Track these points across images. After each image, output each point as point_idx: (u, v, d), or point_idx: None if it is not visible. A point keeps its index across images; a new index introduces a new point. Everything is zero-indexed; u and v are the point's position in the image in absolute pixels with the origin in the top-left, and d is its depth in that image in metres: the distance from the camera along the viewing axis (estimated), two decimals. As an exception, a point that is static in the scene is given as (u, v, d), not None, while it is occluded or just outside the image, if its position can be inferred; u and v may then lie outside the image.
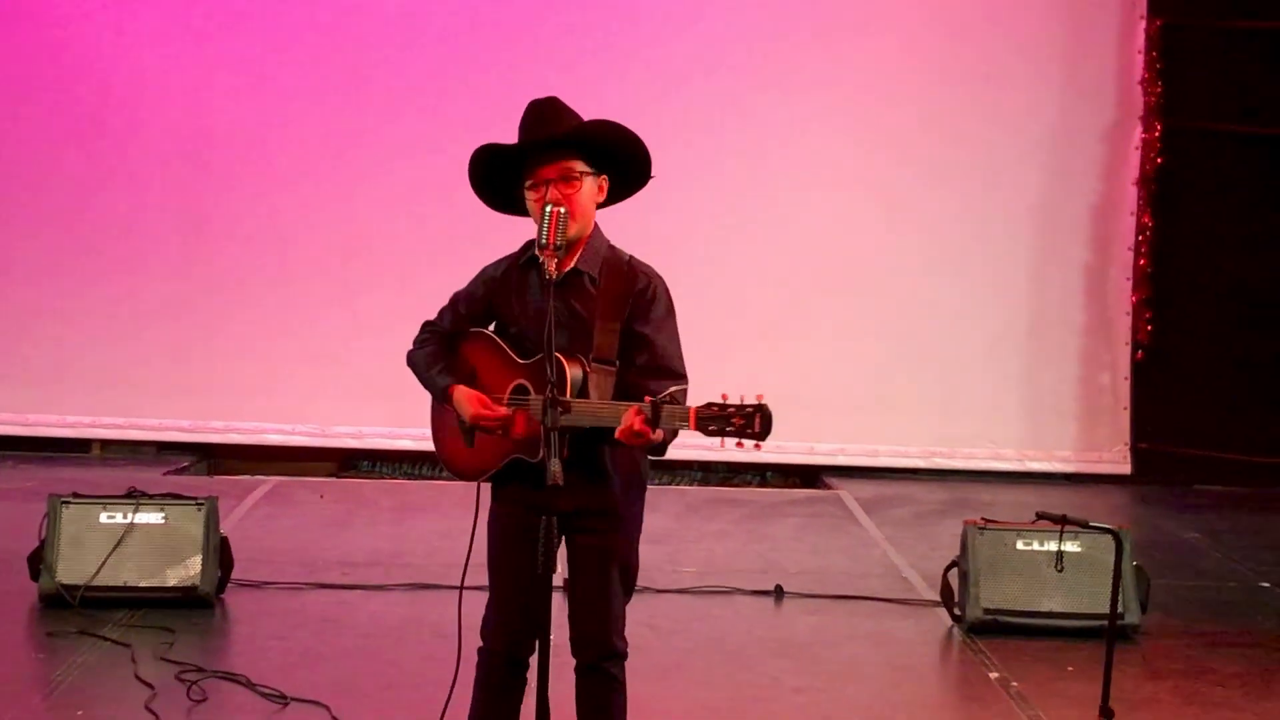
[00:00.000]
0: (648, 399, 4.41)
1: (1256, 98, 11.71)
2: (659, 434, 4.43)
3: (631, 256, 4.80)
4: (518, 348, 4.74)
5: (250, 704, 6.26)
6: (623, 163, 4.76)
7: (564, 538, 4.66)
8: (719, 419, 4.36)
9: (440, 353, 4.87)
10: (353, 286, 11.61)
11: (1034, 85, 11.68)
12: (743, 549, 9.27)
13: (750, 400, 4.35)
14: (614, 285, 4.72)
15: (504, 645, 4.82)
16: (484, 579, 4.88)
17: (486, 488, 4.85)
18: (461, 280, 4.95)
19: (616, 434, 4.43)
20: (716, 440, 4.38)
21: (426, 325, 4.95)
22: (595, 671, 4.82)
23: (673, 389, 4.53)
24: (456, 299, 4.92)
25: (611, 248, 4.80)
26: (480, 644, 4.88)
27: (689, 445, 5.82)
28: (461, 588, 4.92)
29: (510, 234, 5.00)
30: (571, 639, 4.82)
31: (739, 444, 4.37)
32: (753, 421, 4.34)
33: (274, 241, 11.64)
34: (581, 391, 4.59)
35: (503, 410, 4.68)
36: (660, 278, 4.78)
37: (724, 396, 4.37)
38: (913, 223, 11.66)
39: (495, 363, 4.78)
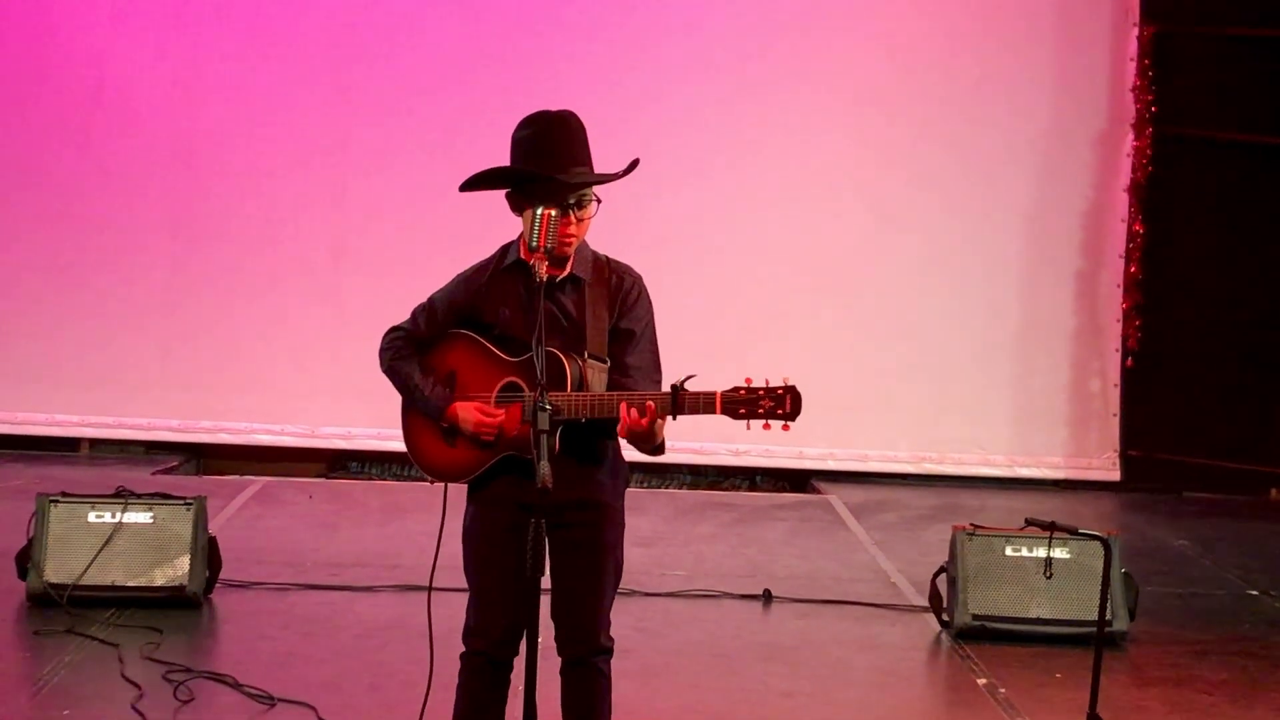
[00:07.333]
0: (666, 386, 4.53)
1: (1248, 105, 11.72)
2: (661, 429, 4.53)
3: (607, 256, 4.82)
4: (505, 348, 4.73)
5: (237, 704, 6.25)
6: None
7: (549, 531, 4.58)
8: (748, 402, 4.49)
9: (423, 364, 4.81)
10: (343, 287, 11.61)
11: (1026, 91, 11.68)
12: (732, 553, 9.26)
13: (776, 383, 4.49)
14: (601, 285, 4.75)
15: (491, 648, 4.76)
16: (457, 581, 4.86)
17: (454, 489, 4.82)
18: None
19: (619, 431, 4.51)
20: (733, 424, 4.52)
21: (398, 332, 4.87)
22: (582, 665, 4.77)
23: (685, 378, 4.56)
24: (434, 303, 4.85)
25: (589, 248, 4.81)
26: (462, 649, 4.82)
27: (678, 450, 5.82)
28: (430, 589, 4.91)
29: (501, 235, 4.98)
30: (557, 635, 4.78)
31: (765, 425, 4.50)
32: (783, 402, 4.50)
33: (264, 241, 11.63)
34: (580, 386, 4.63)
35: (500, 416, 4.67)
36: (639, 275, 4.82)
37: (748, 381, 4.50)
38: (904, 227, 11.66)
39: (480, 362, 4.76)
